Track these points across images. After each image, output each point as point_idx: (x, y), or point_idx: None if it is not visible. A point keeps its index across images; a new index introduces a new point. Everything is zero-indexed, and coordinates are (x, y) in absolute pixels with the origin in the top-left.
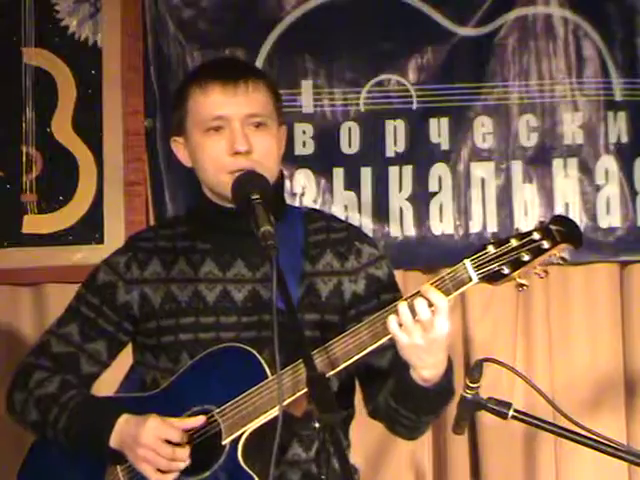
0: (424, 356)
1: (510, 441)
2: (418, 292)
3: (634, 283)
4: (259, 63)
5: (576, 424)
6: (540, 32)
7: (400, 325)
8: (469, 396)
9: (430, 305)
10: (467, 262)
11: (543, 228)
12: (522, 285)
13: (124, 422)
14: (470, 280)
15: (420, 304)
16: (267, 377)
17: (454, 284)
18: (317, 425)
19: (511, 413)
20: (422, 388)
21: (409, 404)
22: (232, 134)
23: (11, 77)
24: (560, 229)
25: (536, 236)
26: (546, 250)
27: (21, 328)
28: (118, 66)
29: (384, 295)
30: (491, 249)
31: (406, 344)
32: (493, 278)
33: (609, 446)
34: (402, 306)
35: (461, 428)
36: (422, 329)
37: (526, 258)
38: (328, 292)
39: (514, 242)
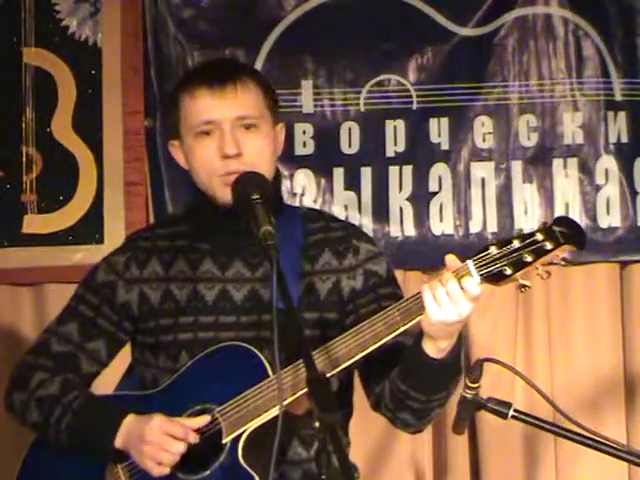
0: (448, 328)
1: (510, 441)
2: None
3: (634, 283)
4: (259, 63)
5: (576, 424)
6: (540, 32)
7: (434, 300)
8: (469, 396)
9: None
10: (469, 262)
11: (546, 229)
12: (524, 286)
13: (129, 422)
14: None
15: (449, 282)
16: (268, 376)
17: None
18: (317, 425)
19: (511, 413)
20: (435, 361)
21: (421, 383)
22: (222, 137)
23: (11, 77)
24: (563, 230)
25: (539, 237)
26: (549, 251)
27: (21, 328)
28: (118, 66)
29: (382, 289)
30: (493, 250)
31: (439, 319)
32: (495, 279)
33: (609, 446)
34: (434, 284)
35: (461, 428)
36: (453, 303)
37: (528, 259)
38: (327, 290)
39: (516, 243)
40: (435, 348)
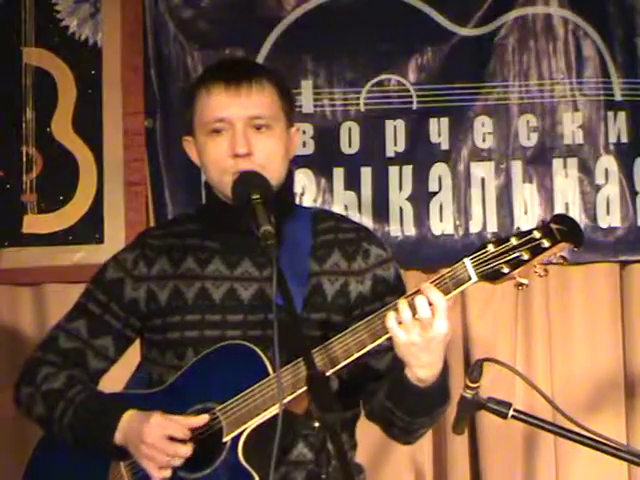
0: (420, 354)
1: (510, 441)
2: (418, 290)
3: (634, 283)
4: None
5: (576, 424)
6: (540, 32)
7: (399, 323)
8: (469, 396)
9: (430, 304)
10: (467, 261)
11: (543, 227)
12: (522, 284)
13: (129, 418)
14: (469, 279)
15: (420, 302)
16: (269, 375)
17: (454, 283)
18: (317, 424)
19: (511, 413)
20: (416, 388)
21: (403, 405)
22: (233, 136)
23: (11, 77)
24: (561, 228)
25: (536, 235)
26: (546, 249)
27: (21, 328)
28: (118, 66)
29: (389, 297)
30: (491, 248)
31: (403, 342)
32: (492, 277)
33: (609, 446)
34: (402, 303)
35: (461, 428)
36: (421, 327)
37: (526, 257)
38: (334, 292)
39: (514, 241)
40: (413, 376)
